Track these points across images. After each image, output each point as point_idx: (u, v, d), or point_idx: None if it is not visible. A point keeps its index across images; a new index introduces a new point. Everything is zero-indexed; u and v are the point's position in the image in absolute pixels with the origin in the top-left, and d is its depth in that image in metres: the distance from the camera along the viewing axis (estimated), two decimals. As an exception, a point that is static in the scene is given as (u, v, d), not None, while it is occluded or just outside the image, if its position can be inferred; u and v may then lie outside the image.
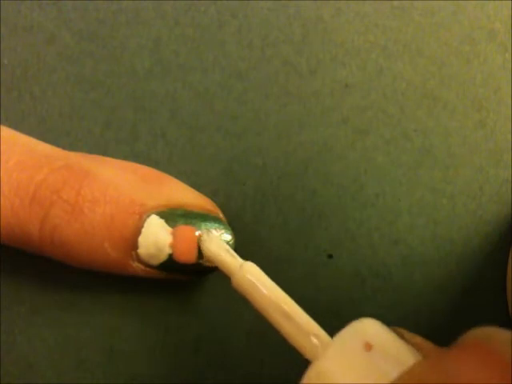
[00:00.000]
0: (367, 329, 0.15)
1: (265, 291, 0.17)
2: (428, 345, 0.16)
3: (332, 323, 0.21)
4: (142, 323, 0.21)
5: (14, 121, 0.21)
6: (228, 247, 0.18)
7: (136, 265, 0.19)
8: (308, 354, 0.16)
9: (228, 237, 0.19)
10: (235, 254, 0.18)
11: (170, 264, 0.19)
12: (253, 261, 0.17)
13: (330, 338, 0.16)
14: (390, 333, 0.16)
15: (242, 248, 0.20)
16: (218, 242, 0.18)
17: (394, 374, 0.14)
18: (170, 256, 0.18)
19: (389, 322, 0.21)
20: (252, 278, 0.17)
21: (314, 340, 0.16)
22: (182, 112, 0.22)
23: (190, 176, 0.21)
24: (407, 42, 0.23)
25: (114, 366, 0.20)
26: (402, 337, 0.16)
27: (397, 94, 0.23)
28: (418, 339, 0.16)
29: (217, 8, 0.23)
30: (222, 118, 0.22)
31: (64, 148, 0.20)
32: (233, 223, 0.20)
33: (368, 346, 0.15)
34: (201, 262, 0.19)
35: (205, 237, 0.19)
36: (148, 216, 0.18)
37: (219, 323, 0.21)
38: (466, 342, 0.15)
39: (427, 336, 0.21)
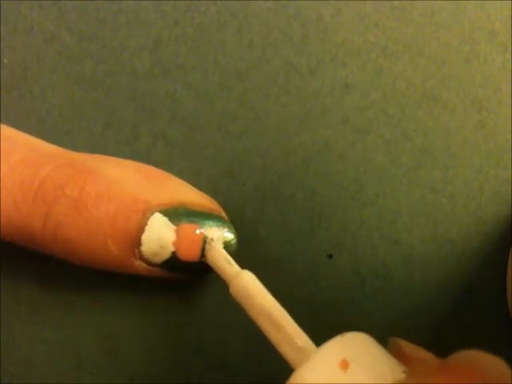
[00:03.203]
0: (349, 344, 0.15)
1: (257, 300, 0.17)
2: (431, 359, 0.16)
3: (332, 323, 0.21)
4: (142, 323, 0.21)
5: (14, 121, 0.21)
6: (227, 255, 0.18)
7: (138, 263, 0.19)
8: (293, 365, 0.16)
9: (230, 236, 0.19)
10: (233, 262, 0.18)
11: (173, 262, 0.19)
12: (253, 260, 0.18)
13: (317, 350, 0.16)
14: (376, 349, 0.15)
15: (242, 248, 0.20)
16: (217, 250, 0.18)
17: None
18: (173, 254, 0.18)
19: (389, 322, 0.21)
20: (247, 286, 0.17)
21: (300, 351, 0.16)
22: (182, 112, 0.22)
23: (190, 176, 0.21)
24: (407, 42, 0.23)
25: (113, 366, 0.20)
26: (398, 349, 0.16)
27: (397, 94, 0.23)
28: (421, 353, 0.16)
29: (217, 8, 0.23)
30: (222, 118, 0.22)
31: (64, 148, 0.20)
32: (233, 223, 0.20)
33: (345, 364, 0.15)
34: (203, 260, 0.19)
35: (207, 246, 0.19)
36: (152, 214, 0.18)
37: (219, 323, 0.21)
38: (454, 365, 0.14)
39: (427, 336, 0.21)
